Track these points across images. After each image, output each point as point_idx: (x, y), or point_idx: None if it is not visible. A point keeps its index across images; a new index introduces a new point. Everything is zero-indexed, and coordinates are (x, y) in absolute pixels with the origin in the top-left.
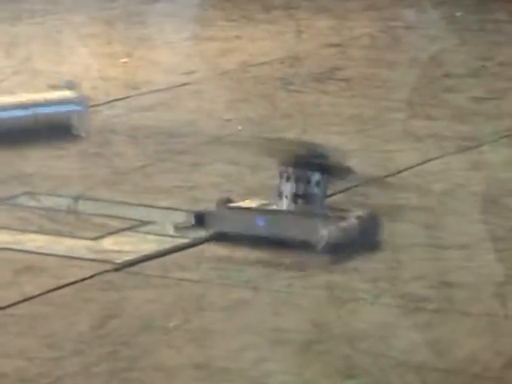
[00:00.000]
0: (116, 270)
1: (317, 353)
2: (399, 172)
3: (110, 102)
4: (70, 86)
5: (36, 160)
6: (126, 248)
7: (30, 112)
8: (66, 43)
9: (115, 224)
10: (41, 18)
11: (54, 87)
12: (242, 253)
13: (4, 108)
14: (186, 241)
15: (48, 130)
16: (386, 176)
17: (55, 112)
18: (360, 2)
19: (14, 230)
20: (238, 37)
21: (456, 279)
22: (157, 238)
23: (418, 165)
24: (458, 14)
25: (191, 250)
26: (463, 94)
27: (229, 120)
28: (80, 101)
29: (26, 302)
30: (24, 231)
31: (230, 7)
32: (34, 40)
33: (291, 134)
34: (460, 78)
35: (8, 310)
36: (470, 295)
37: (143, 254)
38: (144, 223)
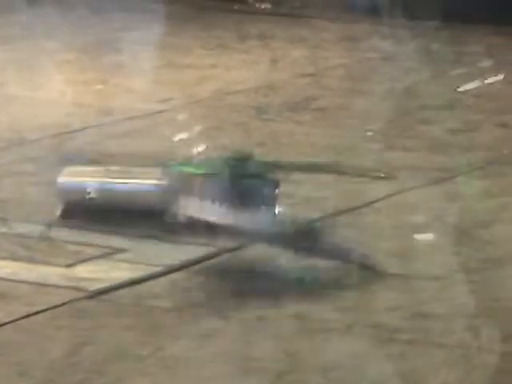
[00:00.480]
0: (89, 297)
1: (288, 382)
2: (372, 203)
3: (85, 128)
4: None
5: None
6: (99, 275)
7: None
8: (41, 69)
9: (88, 251)
10: (15, 44)
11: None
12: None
13: None
14: (158, 269)
15: None
16: (360, 207)
17: None
18: (335, 33)
19: None
20: (213, 65)
21: (429, 310)
22: (130, 265)
23: (391, 195)
24: (434, 45)
25: (164, 278)
26: (438, 126)
27: (204, 148)
28: None
29: None
30: None
31: (206, 36)
32: (8, 65)
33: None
34: (435, 110)
35: None
36: (443, 326)
37: (116, 281)
38: (117, 251)
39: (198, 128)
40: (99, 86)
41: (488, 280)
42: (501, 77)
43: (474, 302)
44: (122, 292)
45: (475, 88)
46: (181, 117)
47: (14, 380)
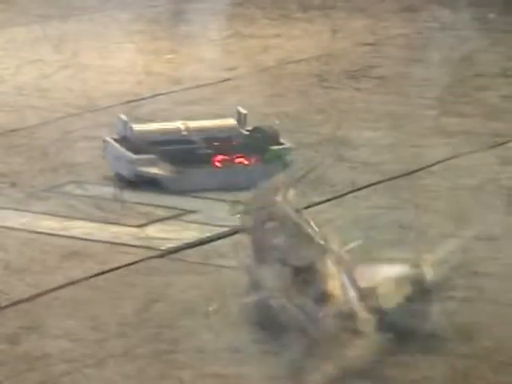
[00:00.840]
0: (159, 256)
1: None
2: (429, 166)
3: (155, 96)
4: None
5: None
6: (169, 235)
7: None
8: (113, 39)
9: (159, 212)
10: (89, 15)
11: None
12: None
13: None
14: (225, 229)
15: None
16: (417, 170)
17: None
18: (395, 4)
19: (61, 216)
20: (277, 35)
21: (483, 269)
22: (198, 226)
23: (448, 159)
24: (491, 15)
25: (230, 238)
26: (494, 93)
27: (267, 114)
28: None
29: (72, 286)
30: (71, 218)
31: (270, 7)
32: (83, 36)
33: (325, 129)
34: (491, 78)
35: (53, 293)
36: (497, 285)
37: (185, 241)
38: (186, 212)
39: (262, 95)
40: (169, 56)
41: None
42: None
43: None
44: (190, 251)
45: None
46: (246, 84)
47: (88, 334)
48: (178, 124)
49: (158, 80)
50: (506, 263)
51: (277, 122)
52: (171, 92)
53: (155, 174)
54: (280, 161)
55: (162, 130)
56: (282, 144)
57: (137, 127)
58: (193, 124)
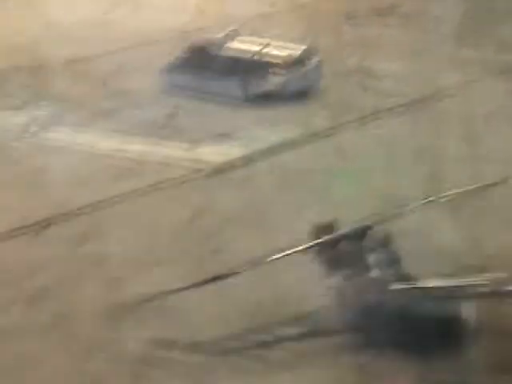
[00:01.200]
0: (207, 174)
1: None
2: (441, 91)
3: (201, 30)
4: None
5: None
6: (216, 156)
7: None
8: None
9: (207, 134)
10: None
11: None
12: None
13: None
14: (266, 149)
15: None
16: (431, 96)
17: None
18: None
19: (119, 136)
20: None
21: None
22: (242, 148)
23: (461, 85)
24: None
25: (272, 158)
26: (508, 27)
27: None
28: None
29: (127, 199)
30: (128, 138)
31: None
32: None
33: (352, 60)
34: (505, 12)
35: (111, 205)
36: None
37: (231, 160)
38: (232, 133)
39: (299, 29)
40: None
41: None
42: None
43: None
44: (234, 170)
45: None
46: (285, 19)
47: (144, 238)
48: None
49: (207, 17)
50: None
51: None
52: (219, 27)
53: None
54: None
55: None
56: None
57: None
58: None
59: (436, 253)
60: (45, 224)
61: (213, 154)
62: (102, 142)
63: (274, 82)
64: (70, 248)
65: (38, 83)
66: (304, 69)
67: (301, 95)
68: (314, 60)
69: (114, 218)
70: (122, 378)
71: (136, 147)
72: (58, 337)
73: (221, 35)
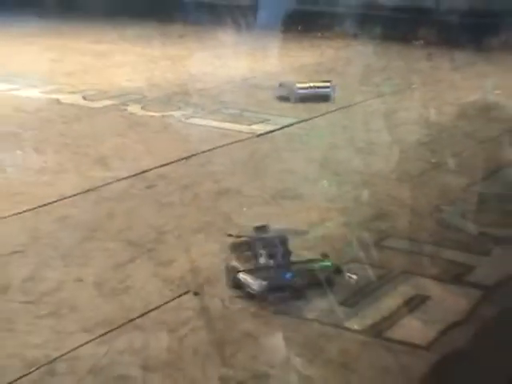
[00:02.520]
0: (257, 136)
1: None
2: None
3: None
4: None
5: None
6: (266, 127)
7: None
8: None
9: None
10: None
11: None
12: None
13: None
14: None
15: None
16: None
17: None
18: None
19: (222, 121)
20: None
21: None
22: (291, 118)
23: None
24: None
25: (309, 122)
26: None
27: None
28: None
29: (194, 157)
30: (225, 121)
31: None
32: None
33: None
34: None
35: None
36: None
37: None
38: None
39: None
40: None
41: None
42: None
43: None
44: (282, 132)
45: None
46: None
47: (206, 181)
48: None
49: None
50: None
51: None
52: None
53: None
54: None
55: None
56: None
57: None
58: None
59: None
60: (188, 156)
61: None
62: (217, 123)
63: None
64: (196, 168)
65: (187, 99)
66: None
67: None
68: None
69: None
70: None
71: (229, 125)
72: None
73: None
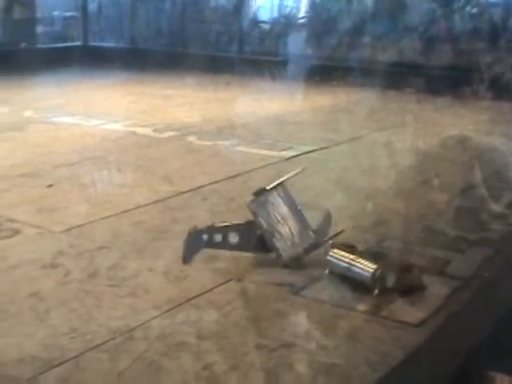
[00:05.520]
0: (285, 159)
1: None
2: None
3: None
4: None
5: None
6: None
7: None
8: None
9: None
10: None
11: None
12: None
13: None
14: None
15: None
16: None
17: None
18: None
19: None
20: None
21: None
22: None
23: None
24: None
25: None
26: None
27: None
28: None
29: (238, 176)
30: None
31: None
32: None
33: None
34: None
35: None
36: None
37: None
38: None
39: None
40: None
41: None
42: None
43: None
44: (304, 156)
45: None
46: None
47: (246, 194)
48: None
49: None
50: None
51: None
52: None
53: None
54: None
55: None
56: None
57: None
58: None
59: None
60: (233, 175)
61: (287, 154)
62: (256, 150)
63: None
64: (240, 184)
65: (233, 132)
66: None
67: None
68: None
69: (258, 175)
70: None
71: (265, 151)
72: None
73: None
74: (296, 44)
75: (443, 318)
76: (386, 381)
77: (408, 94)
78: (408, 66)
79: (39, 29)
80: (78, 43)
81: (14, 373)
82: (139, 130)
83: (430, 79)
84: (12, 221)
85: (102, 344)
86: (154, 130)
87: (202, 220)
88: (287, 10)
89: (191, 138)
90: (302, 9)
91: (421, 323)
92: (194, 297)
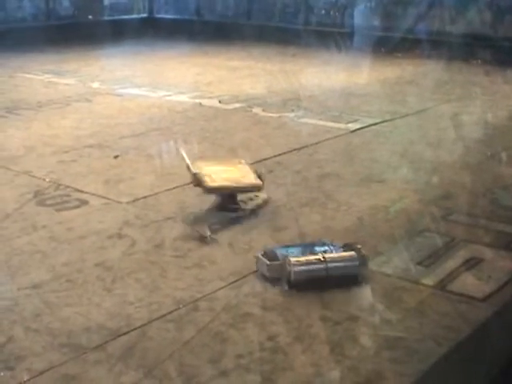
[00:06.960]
0: (351, 131)
1: None
2: None
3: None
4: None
5: None
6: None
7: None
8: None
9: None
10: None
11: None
12: None
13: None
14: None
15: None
16: None
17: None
18: None
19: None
20: None
21: None
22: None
23: None
24: None
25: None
26: None
27: None
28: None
29: (304, 149)
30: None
31: None
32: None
33: None
34: None
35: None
36: None
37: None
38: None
39: None
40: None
41: None
42: None
43: None
44: (369, 129)
45: None
46: None
47: (312, 167)
48: None
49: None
50: None
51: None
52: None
53: None
54: None
55: None
56: None
57: None
58: None
59: None
60: (299, 148)
61: (353, 126)
62: (322, 122)
63: None
64: (305, 157)
65: (298, 104)
66: None
67: None
68: None
69: (324, 148)
70: None
71: (331, 124)
72: None
73: None
74: (362, 15)
75: (509, 292)
76: (451, 356)
77: (476, 66)
78: (476, 38)
79: (106, 1)
80: (143, 15)
81: (81, 341)
82: (205, 102)
83: (499, 51)
84: (80, 191)
85: (167, 314)
86: (220, 102)
87: (267, 192)
88: None
89: (257, 110)
90: None
91: (487, 298)
92: None
